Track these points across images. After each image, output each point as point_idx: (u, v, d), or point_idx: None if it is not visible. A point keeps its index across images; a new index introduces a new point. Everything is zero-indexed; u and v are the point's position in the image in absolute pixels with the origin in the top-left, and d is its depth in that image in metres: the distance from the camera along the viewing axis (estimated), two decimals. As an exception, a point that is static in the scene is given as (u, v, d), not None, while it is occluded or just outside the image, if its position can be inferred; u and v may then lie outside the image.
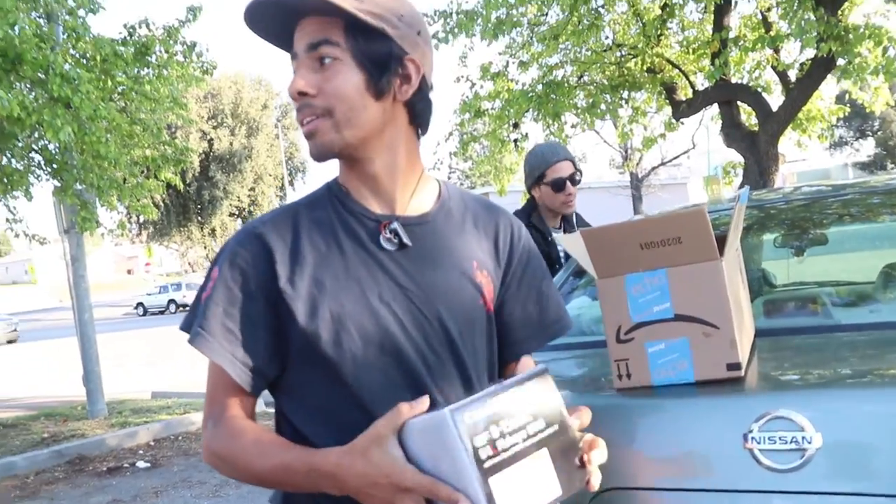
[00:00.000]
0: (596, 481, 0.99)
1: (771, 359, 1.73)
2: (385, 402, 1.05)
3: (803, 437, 1.31)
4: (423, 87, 1.22)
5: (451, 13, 8.95)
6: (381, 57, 1.16)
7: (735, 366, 1.50)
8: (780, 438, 1.32)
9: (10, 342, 27.71)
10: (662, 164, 32.15)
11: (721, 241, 1.52)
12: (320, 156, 1.19)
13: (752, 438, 1.35)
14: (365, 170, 1.22)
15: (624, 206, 31.22)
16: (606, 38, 10.09)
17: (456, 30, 8.50)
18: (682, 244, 1.48)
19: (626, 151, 30.51)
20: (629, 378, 1.57)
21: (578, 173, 3.11)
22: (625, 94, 10.46)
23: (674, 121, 10.39)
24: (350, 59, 1.15)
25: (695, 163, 36.48)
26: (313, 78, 1.16)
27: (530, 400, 0.96)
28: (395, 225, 1.21)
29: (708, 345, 1.51)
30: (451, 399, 1.10)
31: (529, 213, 3.17)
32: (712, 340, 1.50)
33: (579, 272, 2.54)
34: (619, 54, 9.81)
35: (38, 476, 6.58)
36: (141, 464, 6.68)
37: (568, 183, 3.06)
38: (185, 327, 1.21)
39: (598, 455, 1.01)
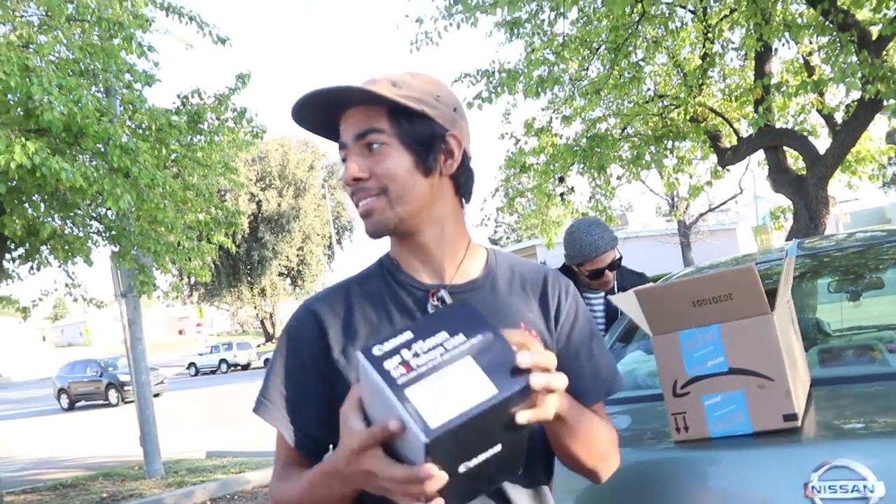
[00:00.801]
0: (536, 382, 0.94)
1: (828, 408, 1.74)
2: None
3: (865, 486, 1.33)
4: (465, 160, 1.30)
5: (493, 72, 9.12)
6: (425, 137, 1.24)
7: (791, 416, 1.52)
8: (840, 488, 1.34)
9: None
10: (710, 210, 31.89)
11: (771, 294, 1.55)
12: (376, 233, 1.27)
13: (813, 488, 1.37)
14: (415, 242, 1.29)
15: (672, 254, 30.92)
16: (648, 90, 10.17)
17: (499, 89, 8.65)
18: (734, 300, 1.52)
19: (672, 199, 30.37)
20: (687, 431, 1.61)
21: (619, 259, 3.15)
22: (669, 145, 10.48)
23: (719, 168, 10.36)
24: (397, 143, 1.22)
25: (743, 208, 36.15)
26: (364, 163, 1.23)
27: (448, 325, 0.97)
28: (442, 293, 1.27)
29: (763, 396, 1.54)
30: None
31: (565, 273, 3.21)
32: (767, 392, 1.53)
33: (631, 329, 2.57)
34: (661, 105, 9.87)
35: (99, 537, 6.70)
36: (199, 524, 6.75)
37: (606, 271, 3.11)
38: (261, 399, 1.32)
39: (524, 357, 0.95)
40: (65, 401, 26.76)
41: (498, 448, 0.95)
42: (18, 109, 6.42)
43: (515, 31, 9.06)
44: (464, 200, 1.33)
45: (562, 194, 10.73)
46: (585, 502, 1.70)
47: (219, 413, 17.50)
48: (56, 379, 28.03)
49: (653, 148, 10.31)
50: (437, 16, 8.71)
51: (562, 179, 10.66)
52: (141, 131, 7.81)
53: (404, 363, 0.93)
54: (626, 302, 1.67)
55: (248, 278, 48.49)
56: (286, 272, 50.42)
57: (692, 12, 9.02)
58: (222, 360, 40.36)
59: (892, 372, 2.09)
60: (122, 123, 7.55)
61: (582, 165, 10.10)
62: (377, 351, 0.94)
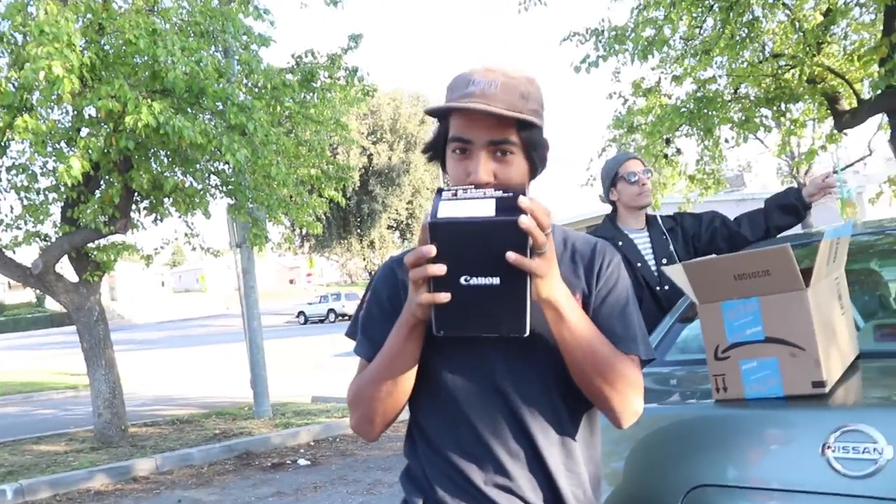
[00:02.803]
0: (523, 219, 1.16)
1: (865, 378, 1.85)
2: (464, 391, 1.41)
3: (875, 449, 1.45)
4: None
5: (602, 31, 9.06)
6: (539, 146, 1.44)
7: (820, 384, 1.65)
8: (853, 449, 1.47)
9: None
10: (835, 172, 30.27)
11: (807, 272, 1.67)
12: None
13: (829, 448, 1.50)
14: None
15: (790, 217, 29.66)
16: (762, 49, 9.85)
17: (608, 50, 8.61)
18: (771, 276, 1.66)
19: (791, 160, 29.06)
20: (725, 391, 1.77)
21: (649, 171, 3.41)
22: (782, 107, 10.14)
23: (836, 132, 9.98)
24: (520, 152, 1.41)
25: (872, 170, 34.42)
26: (491, 167, 1.40)
27: (500, 188, 1.24)
28: None
29: (795, 364, 1.67)
30: (521, 388, 1.41)
31: (612, 224, 3.49)
32: (799, 360, 1.66)
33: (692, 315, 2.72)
34: (776, 65, 9.53)
35: (211, 467, 7.26)
36: (302, 461, 7.22)
37: (640, 174, 3.35)
38: (349, 333, 1.62)
39: (524, 200, 1.19)
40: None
41: (496, 281, 1.19)
42: (146, 72, 6.89)
43: (626, -11, 8.93)
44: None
45: (666, 156, 10.60)
46: (636, 451, 1.87)
47: (325, 360, 18.24)
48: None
49: (764, 110, 10.01)
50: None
51: (668, 141, 10.52)
52: (256, 90, 8.20)
53: (455, 193, 1.24)
54: (676, 273, 1.82)
55: (358, 230, 49.61)
56: (395, 225, 51.31)
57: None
58: (330, 310, 41.69)
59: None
60: (240, 83, 7.95)
61: (689, 127, 9.95)
62: (445, 187, 1.27)
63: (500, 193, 1.22)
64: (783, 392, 1.70)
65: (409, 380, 1.44)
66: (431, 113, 1.47)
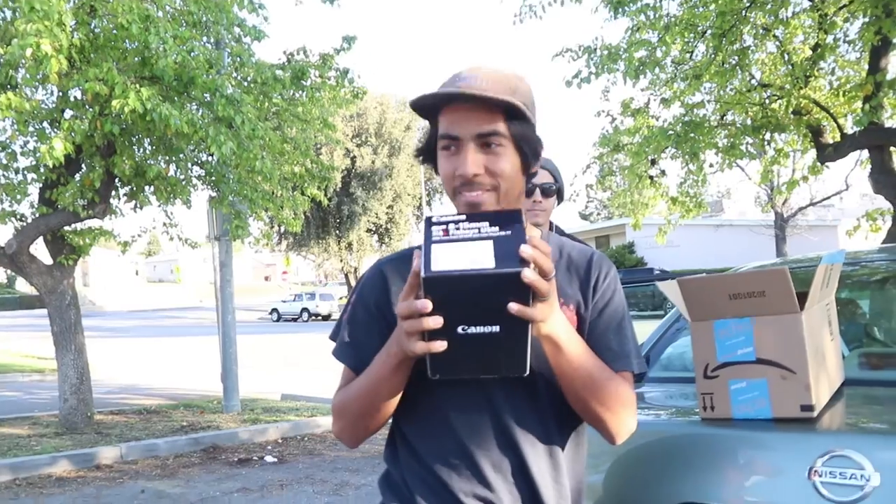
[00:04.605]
0: (526, 273, 1.10)
1: (850, 405, 1.86)
2: (451, 400, 1.38)
3: (862, 475, 1.45)
4: None
5: (595, 49, 9.11)
6: (531, 141, 1.39)
7: (808, 407, 1.65)
8: (840, 474, 1.47)
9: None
10: (811, 204, 30.81)
11: (803, 296, 1.67)
12: None
13: (816, 472, 1.50)
14: None
15: (766, 246, 30.09)
16: (751, 78, 9.95)
17: (599, 68, 8.66)
18: (766, 297, 1.66)
19: (771, 189, 29.40)
20: (713, 410, 1.76)
21: (554, 183, 2.90)
22: (767, 136, 10.24)
23: (818, 164, 10.09)
24: (510, 144, 1.36)
25: (848, 204, 35.00)
26: (480, 160, 1.35)
27: (493, 217, 1.18)
28: None
29: (785, 386, 1.67)
30: (512, 400, 1.37)
31: None
32: (789, 383, 1.66)
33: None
34: (764, 95, 9.64)
35: (177, 459, 7.18)
36: (269, 458, 7.16)
37: (538, 190, 2.85)
38: (333, 336, 1.56)
39: (526, 249, 1.12)
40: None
41: (496, 329, 1.13)
42: (136, 57, 6.83)
43: (620, 9, 8.99)
44: None
45: (651, 177, 10.66)
46: (617, 466, 1.86)
47: (296, 359, 18.13)
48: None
49: (749, 138, 10.11)
50: (541, -10, 8.75)
51: (654, 162, 10.59)
52: (246, 83, 8.15)
53: (445, 230, 1.16)
54: (670, 289, 1.81)
55: (337, 231, 49.38)
56: (374, 229, 51.13)
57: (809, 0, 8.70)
58: (304, 309, 41.55)
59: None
60: (229, 75, 7.90)
61: (675, 150, 10.02)
62: (435, 219, 1.19)
63: (496, 231, 1.15)
64: (772, 414, 1.70)
65: (393, 402, 1.41)
66: (417, 106, 1.39)
